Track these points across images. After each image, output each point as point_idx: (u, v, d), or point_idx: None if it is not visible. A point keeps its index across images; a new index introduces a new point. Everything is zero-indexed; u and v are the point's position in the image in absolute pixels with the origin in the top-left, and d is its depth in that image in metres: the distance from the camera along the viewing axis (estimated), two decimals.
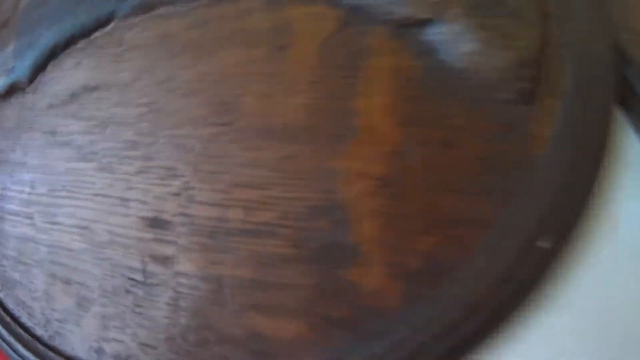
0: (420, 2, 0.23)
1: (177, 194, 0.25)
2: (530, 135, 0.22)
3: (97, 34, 0.28)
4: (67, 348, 0.28)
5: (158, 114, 0.25)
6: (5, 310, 0.30)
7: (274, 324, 0.23)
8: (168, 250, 0.25)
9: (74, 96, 0.28)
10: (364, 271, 0.22)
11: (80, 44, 0.28)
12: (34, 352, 0.28)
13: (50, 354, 0.28)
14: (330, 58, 0.23)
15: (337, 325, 0.22)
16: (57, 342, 0.28)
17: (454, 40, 0.22)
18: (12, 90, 0.31)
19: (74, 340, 0.27)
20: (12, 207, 0.29)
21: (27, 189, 0.29)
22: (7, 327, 0.29)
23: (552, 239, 0.22)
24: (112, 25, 0.28)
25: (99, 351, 0.27)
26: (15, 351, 0.29)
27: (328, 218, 0.22)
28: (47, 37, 0.29)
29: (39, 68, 0.29)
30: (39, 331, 0.29)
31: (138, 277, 0.25)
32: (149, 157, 0.25)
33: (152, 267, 0.25)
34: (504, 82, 0.22)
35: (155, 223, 0.25)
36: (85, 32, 0.28)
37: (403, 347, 0.21)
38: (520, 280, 0.22)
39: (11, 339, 0.29)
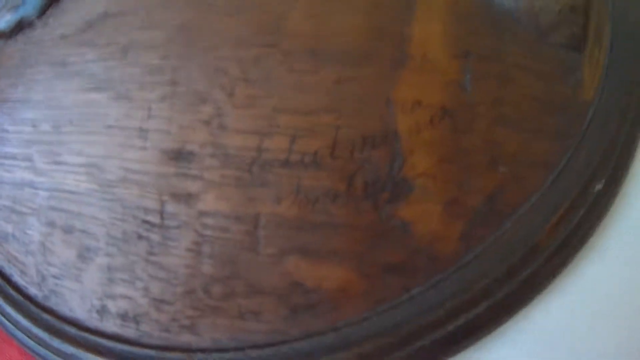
0: None
1: (206, 122, 0.21)
2: (581, 81, 0.22)
3: None
4: (64, 309, 0.23)
5: (191, 36, 0.22)
6: None
7: (317, 272, 0.20)
8: (192, 187, 0.21)
9: (91, 24, 0.25)
10: (420, 209, 0.19)
11: None
12: (26, 314, 0.24)
13: (45, 316, 0.24)
14: None
15: (391, 271, 0.19)
16: (52, 303, 0.24)
17: None
18: (20, 27, 0.27)
19: (72, 299, 0.23)
20: (9, 149, 0.26)
21: (28, 128, 0.25)
22: None
23: (605, 182, 0.22)
24: None
25: (102, 310, 0.23)
26: (4, 314, 0.25)
27: (383, 149, 0.20)
28: None
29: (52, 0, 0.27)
30: (32, 290, 0.24)
31: (154, 219, 0.22)
32: (175, 82, 0.22)
33: (171, 206, 0.22)
34: (556, 25, 0.22)
35: (179, 155, 0.22)
36: None
37: (464, 293, 0.19)
38: (577, 222, 0.21)
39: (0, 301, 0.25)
